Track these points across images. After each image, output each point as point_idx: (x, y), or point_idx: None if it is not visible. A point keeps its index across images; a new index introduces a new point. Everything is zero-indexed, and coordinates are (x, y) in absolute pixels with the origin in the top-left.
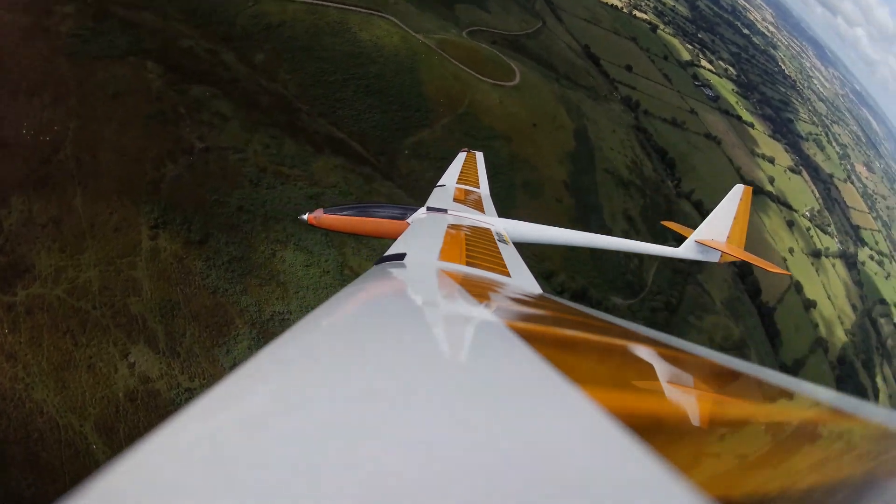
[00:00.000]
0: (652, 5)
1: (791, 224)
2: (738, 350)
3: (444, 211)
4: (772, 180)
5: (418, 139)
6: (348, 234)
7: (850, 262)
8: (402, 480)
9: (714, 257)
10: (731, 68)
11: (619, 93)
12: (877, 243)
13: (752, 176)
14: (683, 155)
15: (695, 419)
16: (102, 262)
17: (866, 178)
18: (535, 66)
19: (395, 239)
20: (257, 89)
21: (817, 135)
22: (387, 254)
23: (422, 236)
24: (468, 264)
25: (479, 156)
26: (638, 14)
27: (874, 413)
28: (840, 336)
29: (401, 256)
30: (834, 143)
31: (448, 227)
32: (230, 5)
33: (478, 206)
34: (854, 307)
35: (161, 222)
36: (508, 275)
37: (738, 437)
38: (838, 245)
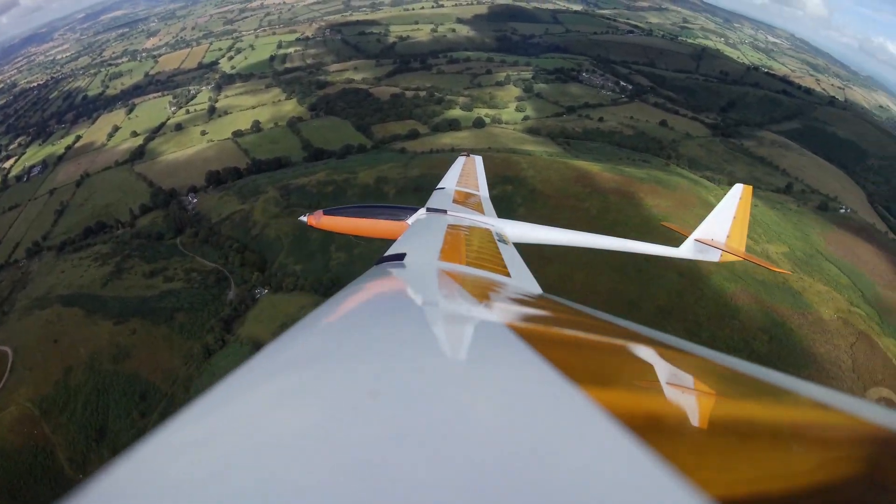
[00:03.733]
0: None
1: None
2: None
3: (444, 212)
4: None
5: None
6: (348, 234)
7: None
8: (403, 479)
9: (714, 256)
10: None
11: None
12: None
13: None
14: None
15: (695, 419)
16: None
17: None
18: None
19: (394, 240)
20: None
21: None
22: (387, 254)
23: (422, 236)
24: (468, 264)
25: (479, 160)
26: None
27: (874, 413)
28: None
29: (401, 256)
30: None
31: (448, 227)
32: None
33: (477, 208)
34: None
35: None
36: (508, 275)
37: (738, 436)
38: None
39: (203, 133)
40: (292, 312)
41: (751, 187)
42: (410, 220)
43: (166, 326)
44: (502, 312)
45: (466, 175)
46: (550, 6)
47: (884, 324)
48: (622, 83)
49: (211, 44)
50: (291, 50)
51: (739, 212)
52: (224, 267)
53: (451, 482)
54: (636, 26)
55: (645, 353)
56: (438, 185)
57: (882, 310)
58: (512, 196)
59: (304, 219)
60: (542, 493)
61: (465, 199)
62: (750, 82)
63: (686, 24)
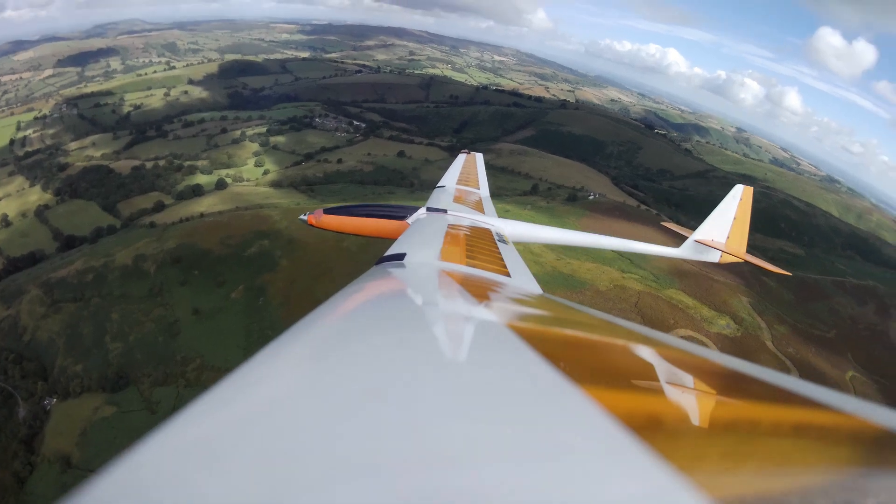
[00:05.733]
0: None
1: None
2: None
3: (444, 211)
4: None
5: None
6: (348, 234)
7: None
8: (403, 480)
9: (714, 257)
10: None
11: None
12: None
13: None
14: None
15: (695, 419)
16: None
17: None
18: None
19: (395, 239)
20: None
21: None
22: (387, 254)
23: (422, 236)
24: (468, 264)
25: (479, 157)
26: None
27: (874, 413)
28: None
29: (401, 256)
30: None
31: (448, 227)
32: None
33: (478, 207)
34: None
35: None
36: (508, 275)
37: (738, 436)
38: None
39: None
40: (88, 416)
41: (751, 188)
42: (411, 220)
43: None
44: (502, 312)
45: (467, 173)
46: (279, 56)
47: (659, 280)
48: (355, 122)
49: None
50: (30, 131)
51: (740, 213)
52: (6, 383)
53: (451, 481)
54: (364, 65)
55: (645, 353)
56: (439, 184)
57: (654, 268)
58: (271, 251)
59: (304, 218)
60: (542, 492)
61: (465, 198)
62: (480, 101)
63: (413, 57)
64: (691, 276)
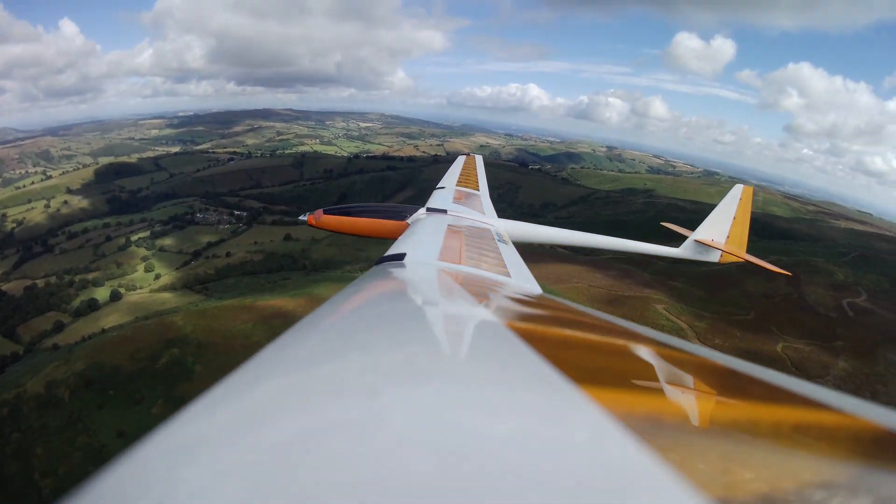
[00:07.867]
0: None
1: None
2: None
3: (444, 211)
4: None
5: None
6: (348, 234)
7: None
8: (402, 480)
9: (714, 257)
10: None
11: None
12: None
13: None
14: None
15: (695, 419)
16: None
17: None
18: None
19: (394, 240)
20: None
21: None
22: (387, 254)
23: (422, 236)
24: (468, 264)
25: (479, 159)
26: None
27: (874, 413)
28: None
29: (400, 256)
30: None
31: (448, 227)
32: None
33: (477, 207)
34: None
35: None
36: (508, 275)
37: (738, 437)
38: None
39: None
40: None
41: (751, 188)
42: (410, 220)
43: None
44: (502, 312)
45: (467, 174)
46: (152, 154)
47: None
48: (236, 212)
49: None
50: None
51: (739, 213)
52: None
53: (451, 481)
54: (235, 153)
55: (645, 353)
56: (438, 185)
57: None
58: (182, 358)
59: (303, 218)
60: (542, 493)
61: (465, 199)
62: (354, 171)
63: (282, 137)
64: (603, 299)
